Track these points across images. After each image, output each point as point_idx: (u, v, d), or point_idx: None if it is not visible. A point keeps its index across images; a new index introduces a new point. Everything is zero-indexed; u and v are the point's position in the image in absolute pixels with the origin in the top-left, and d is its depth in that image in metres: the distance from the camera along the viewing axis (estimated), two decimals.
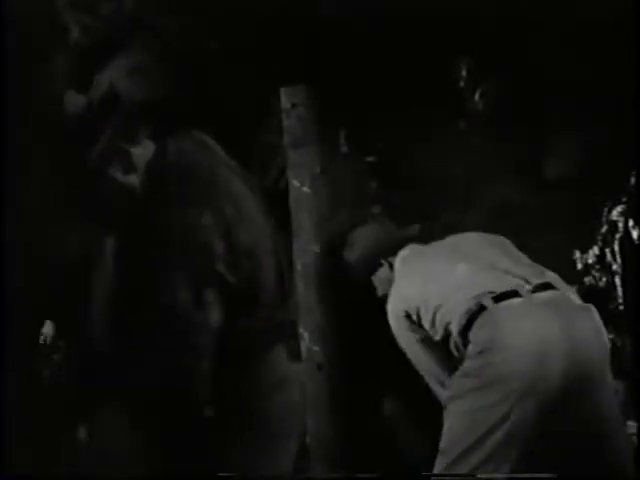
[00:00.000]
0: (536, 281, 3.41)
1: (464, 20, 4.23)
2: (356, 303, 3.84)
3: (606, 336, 3.40)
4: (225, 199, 2.47)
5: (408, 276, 3.64)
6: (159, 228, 2.31)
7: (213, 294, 2.32)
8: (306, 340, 3.76)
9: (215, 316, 2.32)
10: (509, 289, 3.37)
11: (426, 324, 3.48)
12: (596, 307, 4.48)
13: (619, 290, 4.47)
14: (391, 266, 3.77)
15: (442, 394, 3.48)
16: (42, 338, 2.55)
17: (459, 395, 3.31)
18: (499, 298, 3.36)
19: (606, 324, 4.45)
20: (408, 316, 3.53)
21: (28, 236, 3.23)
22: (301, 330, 3.79)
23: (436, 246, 3.73)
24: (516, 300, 3.34)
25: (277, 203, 3.72)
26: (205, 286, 2.31)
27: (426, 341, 3.52)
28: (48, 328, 2.63)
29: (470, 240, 3.69)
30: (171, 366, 2.33)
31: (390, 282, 3.70)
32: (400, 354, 3.68)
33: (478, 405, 3.24)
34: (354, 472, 3.62)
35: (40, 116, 3.30)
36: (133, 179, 2.38)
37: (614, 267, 4.49)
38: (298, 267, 3.74)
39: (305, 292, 3.78)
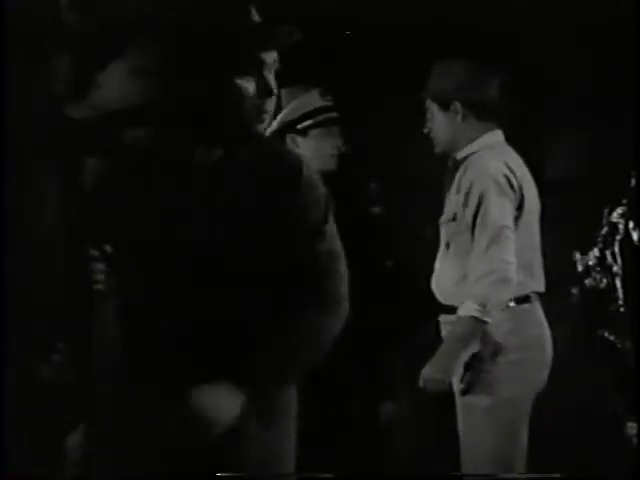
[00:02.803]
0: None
1: (464, 20, 4.23)
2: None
3: None
4: None
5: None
6: None
7: None
8: None
9: None
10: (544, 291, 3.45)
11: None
12: (597, 308, 4.52)
13: (620, 292, 4.48)
14: None
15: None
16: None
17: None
18: (540, 297, 3.43)
19: (606, 325, 4.49)
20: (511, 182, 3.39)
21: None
22: None
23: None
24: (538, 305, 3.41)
25: None
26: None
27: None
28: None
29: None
30: None
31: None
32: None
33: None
34: (352, 472, 3.62)
35: (40, 116, 3.29)
36: None
37: (614, 269, 4.50)
38: None
39: None
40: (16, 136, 3.24)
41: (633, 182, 4.44)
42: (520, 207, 3.39)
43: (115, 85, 2.89)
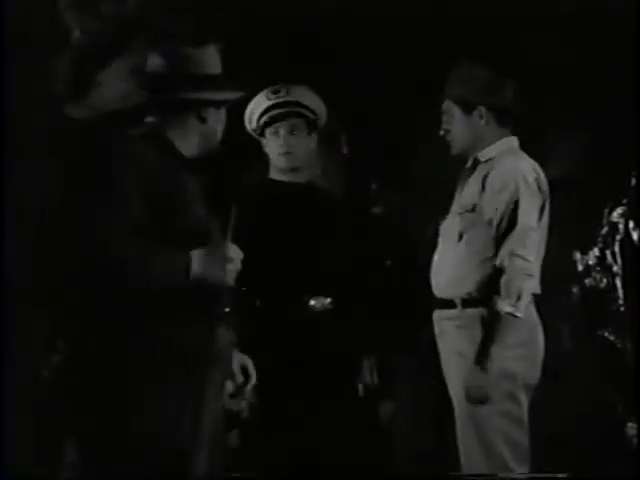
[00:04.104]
0: None
1: (464, 21, 4.23)
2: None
3: None
4: None
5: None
6: None
7: None
8: None
9: None
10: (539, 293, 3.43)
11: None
12: (596, 308, 4.52)
13: (620, 291, 4.48)
14: None
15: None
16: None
17: None
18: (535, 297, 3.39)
19: (607, 325, 4.49)
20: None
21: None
22: None
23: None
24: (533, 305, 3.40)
25: None
26: None
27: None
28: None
29: None
30: None
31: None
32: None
33: None
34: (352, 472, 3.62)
35: (40, 116, 3.29)
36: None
37: (615, 268, 4.50)
38: None
39: None
40: (16, 136, 3.25)
41: (633, 182, 4.44)
42: (542, 210, 3.40)
43: (115, 84, 2.89)
